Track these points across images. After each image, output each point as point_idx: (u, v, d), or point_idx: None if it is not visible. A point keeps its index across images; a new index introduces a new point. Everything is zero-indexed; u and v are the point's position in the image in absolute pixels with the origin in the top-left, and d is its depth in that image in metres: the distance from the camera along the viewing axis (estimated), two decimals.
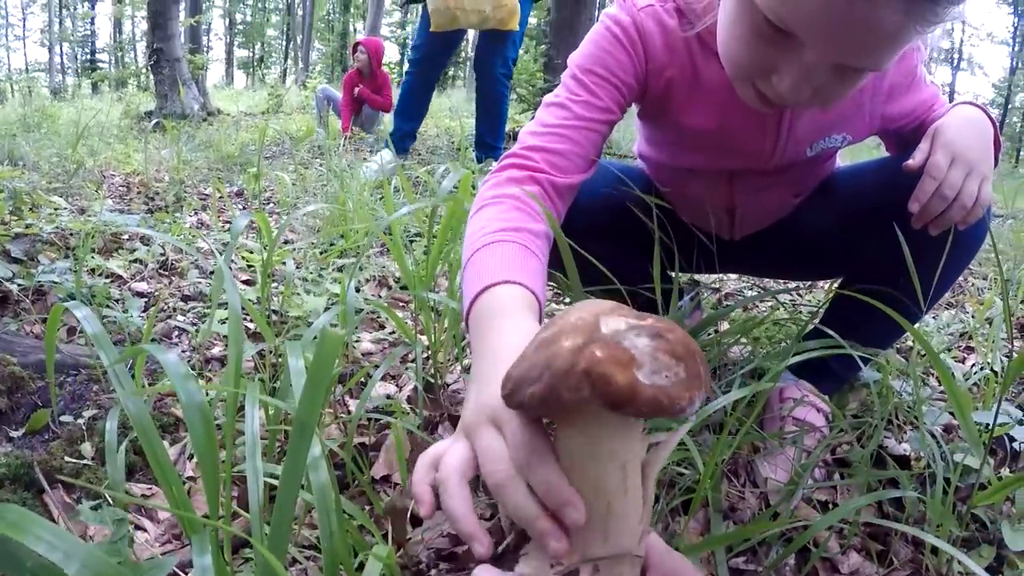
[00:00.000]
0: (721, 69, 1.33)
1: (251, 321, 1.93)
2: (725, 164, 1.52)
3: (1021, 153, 38.15)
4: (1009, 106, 40.28)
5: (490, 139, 5.50)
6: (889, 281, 1.37)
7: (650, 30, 1.35)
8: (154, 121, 9.14)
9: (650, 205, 1.48)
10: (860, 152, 5.79)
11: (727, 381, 1.56)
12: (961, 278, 3.50)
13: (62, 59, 40.99)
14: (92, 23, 41.90)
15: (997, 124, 1.39)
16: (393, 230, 1.67)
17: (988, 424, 1.45)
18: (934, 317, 2.73)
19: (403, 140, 5.59)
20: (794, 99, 1.12)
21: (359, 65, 8.24)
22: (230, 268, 2.41)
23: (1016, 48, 39.80)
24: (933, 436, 1.34)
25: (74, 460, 1.30)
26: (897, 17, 0.95)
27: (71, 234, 2.65)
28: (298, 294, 1.92)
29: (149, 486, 1.32)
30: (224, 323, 1.74)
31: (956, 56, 40.33)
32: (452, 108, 16.49)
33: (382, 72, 8.47)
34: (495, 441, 0.64)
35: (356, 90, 8.18)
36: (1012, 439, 1.54)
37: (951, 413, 1.77)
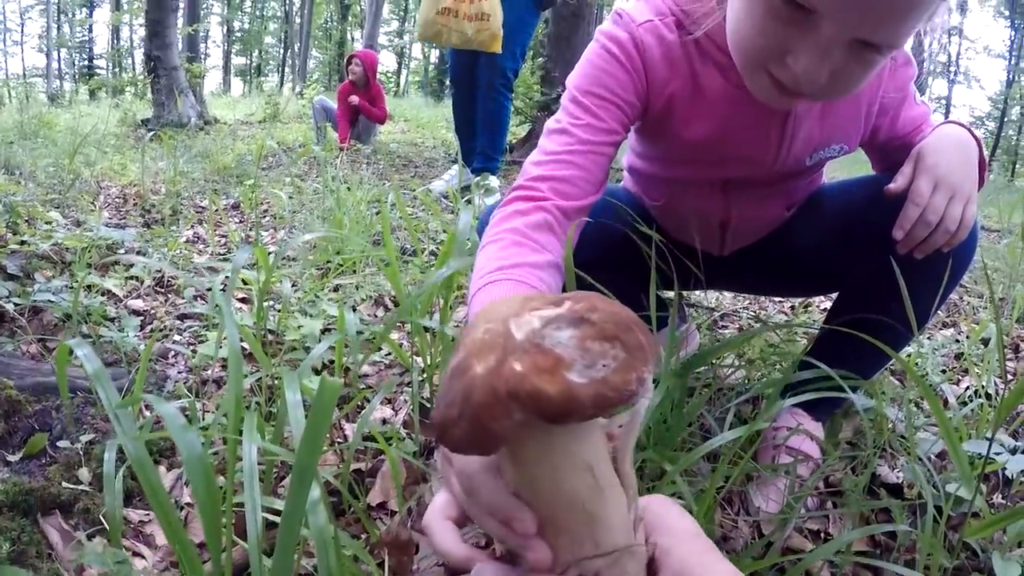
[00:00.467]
0: (721, 77, 1.33)
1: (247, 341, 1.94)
2: (727, 173, 1.51)
3: (1017, 166, 38.30)
4: (1005, 119, 40.42)
5: (489, 150, 5.50)
6: (880, 299, 1.38)
7: (649, 45, 1.34)
8: (150, 131, 9.16)
9: (642, 229, 1.49)
10: (853, 167, 5.82)
11: (723, 409, 1.57)
12: (956, 296, 3.52)
13: (59, 65, 41.01)
14: (90, 30, 41.95)
15: (982, 143, 1.41)
16: (388, 254, 1.68)
17: (981, 453, 1.47)
18: (928, 338, 2.74)
19: (466, 158, 5.60)
20: (810, 82, 1.11)
21: (354, 77, 8.30)
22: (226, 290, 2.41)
23: (1012, 61, 39.95)
24: (925, 464, 1.35)
25: (72, 486, 1.31)
26: None
27: (67, 249, 2.65)
28: (295, 315, 1.92)
29: (147, 512, 1.32)
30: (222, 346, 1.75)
31: (953, 69, 40.50)
32: (448, 119, 16.52)
33: (376, 84, 8.54)
34: (452, 478, 0.64)
35: (353, 99, 8.24)
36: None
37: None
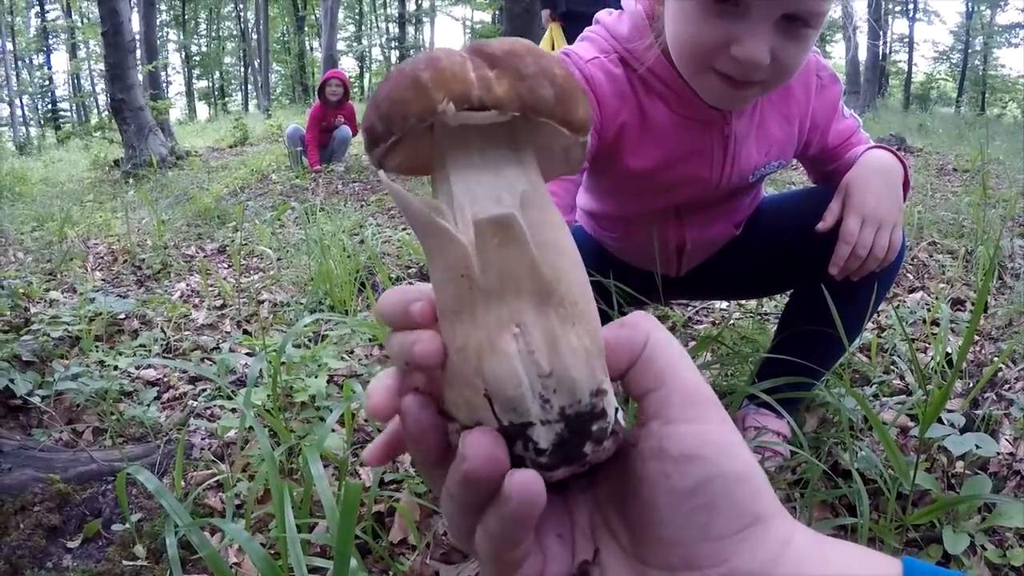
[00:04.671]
0: (666, 108, 1.49)
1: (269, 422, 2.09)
2: (679, 198, 1.66)
3: (986, 96, 38.58)
4: (969, 51, 40.62)
5: None
6: (832, 294, 1.53)
7: (599, 80, 1.49)
8: (124, 173, 9.25)
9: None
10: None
11: None
12: (925, 256, 3.68)
13: (23, 111, 40.75)
14: (51, 81, 41.69)
15: (906, 163, 1.58)
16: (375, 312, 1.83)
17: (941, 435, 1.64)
18: (896, 308, 2.89)
19: None
20: (755, 65, 1.26)
21: (335, 98, 8.46)
22: (232, 348, 2.57)
23: None
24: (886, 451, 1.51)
25: (131, 563, 1.48)
26: None
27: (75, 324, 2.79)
28: (301, 379, 2.08)
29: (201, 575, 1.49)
30: (235, 412, 1.91)
31: (911, 6, 40.54)
32: None
33: (349, 103, 8.71)
34: None
35: (340, 119, 8.43)
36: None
37: (910, 415, 1.95)
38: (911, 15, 40.90)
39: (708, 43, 1.30)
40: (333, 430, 1.84)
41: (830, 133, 1.68)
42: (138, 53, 12.02)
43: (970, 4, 39.90)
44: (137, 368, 2.52)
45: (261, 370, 2.06)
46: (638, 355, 0.46)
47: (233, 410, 2.03)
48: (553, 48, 5.42)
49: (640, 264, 1.87)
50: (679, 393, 0.46)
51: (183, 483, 1.74)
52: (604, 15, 1.58)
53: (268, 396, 1.81)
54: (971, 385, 2.15)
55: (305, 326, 2.17)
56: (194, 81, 48.02)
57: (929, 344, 2.54)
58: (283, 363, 2.02)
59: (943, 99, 40.23)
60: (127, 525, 1.56)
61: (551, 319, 0.43)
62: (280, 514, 1.09)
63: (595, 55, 1.51)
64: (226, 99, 47.87)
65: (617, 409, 0.47)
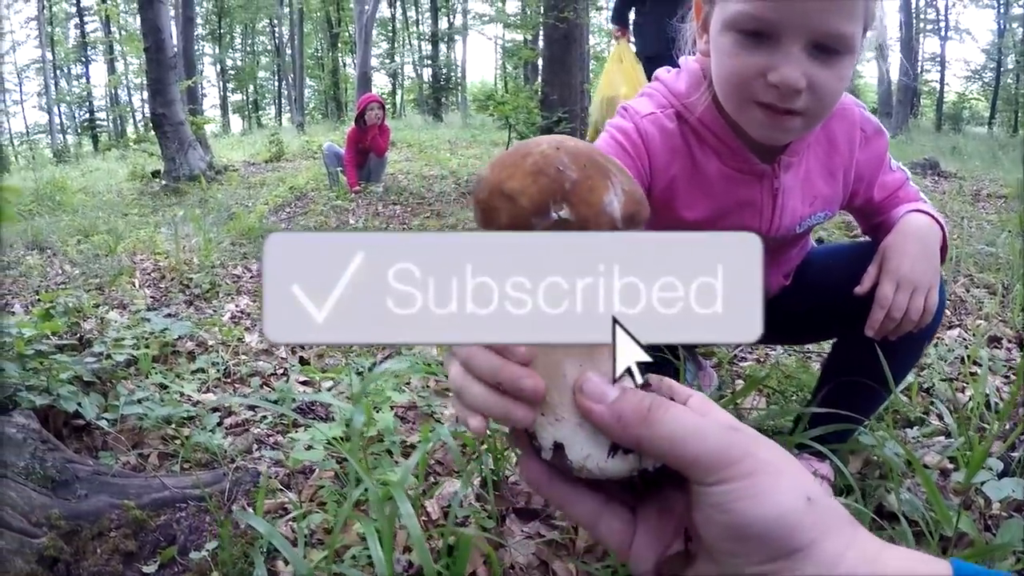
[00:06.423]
0: (717, 160, 1.57)
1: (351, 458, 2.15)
2: None
3: (1019, 115, 38.23)
4: (1001, 69, 40.27)
5: None
6: (869, 355, 1.61)
7: (652, 134, 1.58)
8: (164, 185, 9.42)
9: None
10: None
11: None
12: (963, 291, 3.71)
13: (61, 119, 41.31)
14: (89, 95, 42.29)
15: (945, 226, 1.64)
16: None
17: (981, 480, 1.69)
18: (935, 346, 2.92)
19: None
20: (792, 89, 1.34)
21: (377, 121, 8.52)
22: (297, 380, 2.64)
23: (1002, 10, 39.78)
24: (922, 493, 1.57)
25: None
26: None
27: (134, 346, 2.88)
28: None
29: None
30: (309, 448, 1.98)
31: (943, 24, 40.30)
32: (452, 141, 16.58)
33: (386, 125, 8.80)
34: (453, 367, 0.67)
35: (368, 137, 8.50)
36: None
37: (950, 459, 1.99)
38: (943, 34, 40.68)
39: (746, 73, 1.38)
40: (397, 461, 1.91)
41: (876, 185, 1.74)
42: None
43: (1002, 22, 39.62)
44: (199, 390, 2.59)
45: (322, 404, 2.13)
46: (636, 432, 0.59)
47: (307, 447, 2.08)
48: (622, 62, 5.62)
49: None
50: (701, 466, 0.56)
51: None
52: (663, 73, 1.67)
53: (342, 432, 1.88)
54: (1008, 428, 2.19)
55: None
56: (228, 94, 48.52)
57: (967, 384, 2.57)
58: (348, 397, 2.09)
59: (975, 118, 39.85)
60: (203, 552, 1.63)
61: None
62: (388, 556, 1.17)
63: (652, 110, 1.61)
64: (260, 112, 48.33)
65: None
